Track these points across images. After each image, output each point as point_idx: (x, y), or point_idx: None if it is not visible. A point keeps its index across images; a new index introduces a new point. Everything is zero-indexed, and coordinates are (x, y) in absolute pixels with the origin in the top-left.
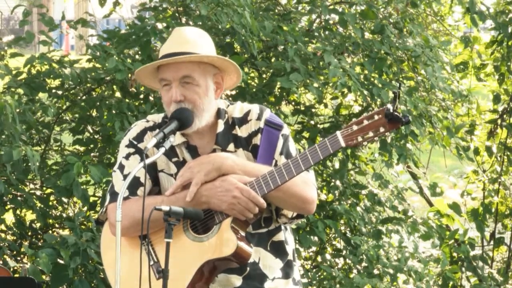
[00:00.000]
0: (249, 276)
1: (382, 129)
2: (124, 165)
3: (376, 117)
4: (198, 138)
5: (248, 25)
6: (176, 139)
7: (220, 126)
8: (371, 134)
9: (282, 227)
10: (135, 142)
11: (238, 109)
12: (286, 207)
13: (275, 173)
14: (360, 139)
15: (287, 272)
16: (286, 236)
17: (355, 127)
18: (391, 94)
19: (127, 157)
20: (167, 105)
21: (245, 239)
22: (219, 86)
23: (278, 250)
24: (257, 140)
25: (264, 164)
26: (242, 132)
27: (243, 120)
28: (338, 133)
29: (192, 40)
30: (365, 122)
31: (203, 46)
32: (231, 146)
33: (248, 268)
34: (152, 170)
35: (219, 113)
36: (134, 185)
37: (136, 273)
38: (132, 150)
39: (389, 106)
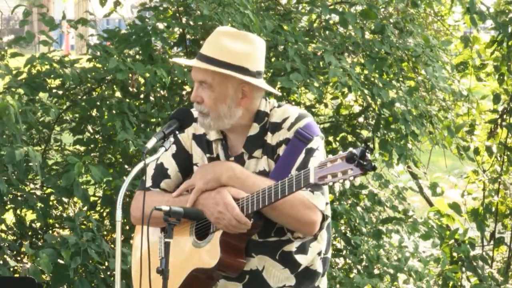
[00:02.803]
0: (249, 284)
1: (350, 172)
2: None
3: (345, 159)
4: (232, 137)
5: (251, 25)
6: (213, 135)
7: (253, 130)
8: (340, 175)
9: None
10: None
11: (279, 113)
12: (285, 226)
13: (260, 193)
14: (330, 178)
15: (301, 281)
16: (313, 244)
17: (329, 165)
18: (391, 94)
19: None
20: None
21: (236, 251)
22: (247, 94)
23: (287, 260)
24: (280, 151)
25: (279, 177)
26: (272, 139)
27: (278, 126)
28: (312, 168)
29: (224, 46)
30: (338, 162)
31: (234, 54)
32: (258, 152)
33: (247, 276)
34: (188, 163)
35: (257, 116)
36: (159, 177)
37: (151, 262)
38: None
39: (354, 151)
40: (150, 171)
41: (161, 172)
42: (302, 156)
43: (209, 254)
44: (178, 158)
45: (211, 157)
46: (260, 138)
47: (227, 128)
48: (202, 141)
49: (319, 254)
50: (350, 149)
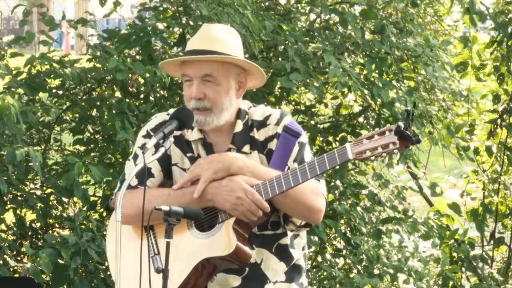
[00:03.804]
0: (249, 277)
1: (391, 146)
2: (138, 155)
3: (387, 133)
4: (215, 135)
5: (250, 25)
6: (193, 135)
7: (238, 127)
8: (380, 150)
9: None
10: (152, 134)
11: (259, 112)
12: (292, 214)
13: (281, 178)
14: (368, 153)
15: (291, 276)
16: (296, 241)
17: (365, 141)
18: (391, 94)
19: (142, 147)
20: (187, 101)
21: (246, 241)
22: (242, 86)
23: (283, 253)
24: (272, 145)
25: (277, 169)
26: (259, 135)
27: (262, 123)
28: (347, 145)
29: (219, 39)
30: (376, 138)
31: (229, 45)
32: (246, 148)
33: (247, 269)
34: (166, 162)
35: (239, 114)
36: (144, 175)
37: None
38: (148, 140)
39: (401, 124)
40: (133, 171)
41: (144, 171)
42: (296, 148)
43: (221, 243)
44: (159, 159)
45: (192, 156)
46: (246, 134)
47: (220, 125)
48: (180, 141)
49: (302, 249)
50: (388, 125)
